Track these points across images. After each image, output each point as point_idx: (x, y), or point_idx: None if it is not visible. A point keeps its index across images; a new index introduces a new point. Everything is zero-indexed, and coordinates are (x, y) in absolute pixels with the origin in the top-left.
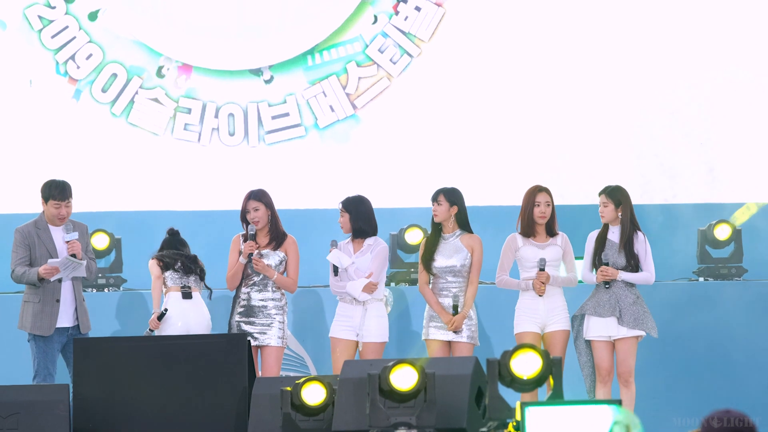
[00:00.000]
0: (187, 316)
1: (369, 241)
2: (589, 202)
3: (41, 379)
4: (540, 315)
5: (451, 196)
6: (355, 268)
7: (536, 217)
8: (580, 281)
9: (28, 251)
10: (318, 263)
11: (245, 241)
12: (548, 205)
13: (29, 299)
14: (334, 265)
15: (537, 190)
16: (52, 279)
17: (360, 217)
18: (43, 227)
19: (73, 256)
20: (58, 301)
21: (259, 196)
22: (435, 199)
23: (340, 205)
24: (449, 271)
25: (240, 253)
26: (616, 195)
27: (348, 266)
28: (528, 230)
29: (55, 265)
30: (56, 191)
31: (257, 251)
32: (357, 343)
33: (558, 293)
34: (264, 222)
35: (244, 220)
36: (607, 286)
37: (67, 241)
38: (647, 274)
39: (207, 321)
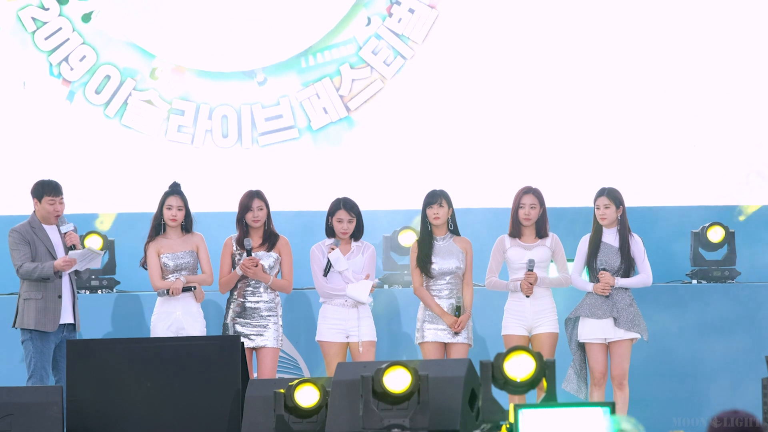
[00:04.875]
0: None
1: (356, 243)
2: (581, 205)
3: (37, 380)
4: (527, 317)
5: (449, 199)
6: (352, 271)
7: (521, 218)
8: None
9: (29, 248)
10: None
11: (239, 244)
12: (533, 207)
13: (31, 296)
14: (327, 266)
15: (523, 192)
16: (69, 271)
17: (361, 221)
18: (38, 226)
19: (73, 246)
20: (60, 297)
21: (262, 195)
22: (436, 202)
23: (348, 212)
24: (447, 273)
25: (232, 256)
26: (616, 196)
27: (344, 270)
28: (515, 231)
29: (73, 258)
30: (50, 188)
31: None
32: (347, 344)
33: (546, 295)
34: (262, 222)
35: (241, 221)
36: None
37: (65, 233)
38: (644, 276)
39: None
